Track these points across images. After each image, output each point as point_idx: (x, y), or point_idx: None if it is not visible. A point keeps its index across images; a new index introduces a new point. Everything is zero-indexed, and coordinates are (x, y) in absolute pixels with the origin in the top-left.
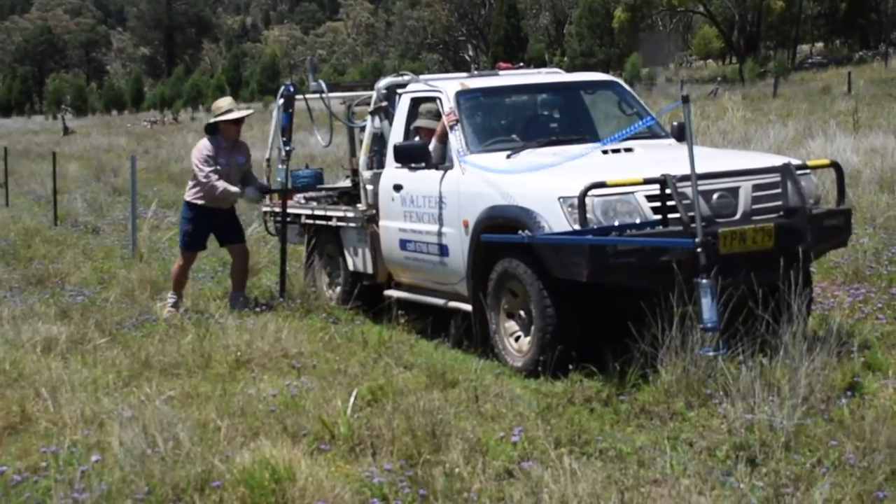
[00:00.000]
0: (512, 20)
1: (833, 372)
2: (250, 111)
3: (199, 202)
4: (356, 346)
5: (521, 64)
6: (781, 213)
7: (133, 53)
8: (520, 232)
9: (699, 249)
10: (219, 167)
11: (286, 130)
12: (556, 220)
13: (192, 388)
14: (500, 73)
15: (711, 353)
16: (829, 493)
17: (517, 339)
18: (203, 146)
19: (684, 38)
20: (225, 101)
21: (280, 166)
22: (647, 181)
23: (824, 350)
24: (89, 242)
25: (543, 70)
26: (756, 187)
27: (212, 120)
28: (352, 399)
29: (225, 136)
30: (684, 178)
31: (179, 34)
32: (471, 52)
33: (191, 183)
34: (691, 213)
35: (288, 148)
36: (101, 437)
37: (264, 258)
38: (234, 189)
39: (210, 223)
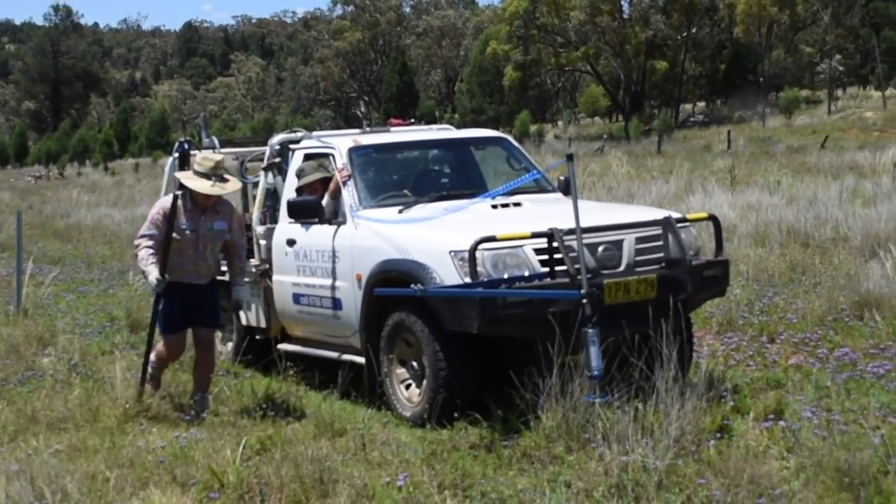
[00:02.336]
0: (404, 77)
1: (704, 415)
2: (233, 188)
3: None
4: (245, 398)
5: (413, 120)
6: (663, 264)
7: (17, 107)
8: (412, 285)
9: (584, 301)
10: (177, 234)
11: (181, 188)
12: (448, 274)
13: (80, 441)
14: (392, 129)
15: (597, 401)
16: None
17: (408, 387)
18: (161, 203)
19: (572, 96)
20: (209, 162)
21: None
22: (535, 235)
23: (695, 395)
24: None
25: (434, 126)
26: (639, 240)
27: (178, 175)
28: (240, 448)
29: (194, 197)
30: (570, 231)
31: (66, 88)
32: (363, 109)
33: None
34: (577, 266)
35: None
36: None
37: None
38: (152, 274)
39: (184, 299)
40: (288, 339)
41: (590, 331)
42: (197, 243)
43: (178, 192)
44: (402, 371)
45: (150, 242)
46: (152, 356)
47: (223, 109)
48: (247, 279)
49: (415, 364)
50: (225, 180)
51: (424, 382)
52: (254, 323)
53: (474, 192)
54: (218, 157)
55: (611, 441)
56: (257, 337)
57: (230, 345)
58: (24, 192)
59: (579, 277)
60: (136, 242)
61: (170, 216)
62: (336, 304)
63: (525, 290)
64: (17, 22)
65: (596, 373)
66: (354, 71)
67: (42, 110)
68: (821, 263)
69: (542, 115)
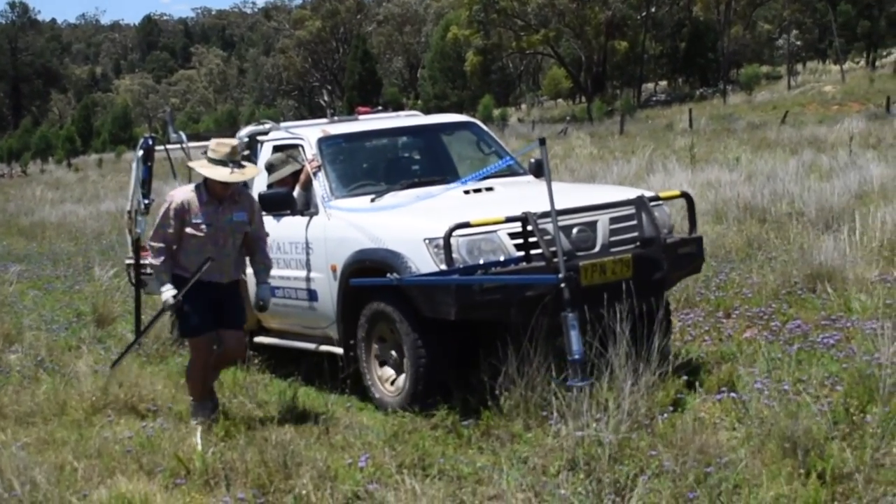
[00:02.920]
0: (366, 65)
1: (658, 390)
2: (253, 173)
3: (185, 274)
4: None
5: (380, 108)
6: (638, 243)
7: None
8: (388, 275)
9: (563, 284)
10: (193, 230)
11: (146, 183)
12: (423, 261)
13: (48, 434)
14: (360, 117)
15: (580, 384)
16: (647, 497)
17: (387, 376)
18: (174, 196)
19: (535, 79)
20: (224, 148)
21: (139, 218)
22: (509, 219)
23: (648, 370)
24: None
25: (402, 113)
26: (613, 220)
27: (191, 164)
28: (198, 433)
29: (210, 188)
30: (544, 214)
31: (26, 85)
32: (326, 98)
33: None
34: (553, 249)
35: (147, 201)
36: None
37: (118, 307)
38: (167, 293)
39: (207, 299)
40: (264, 331)
41: (569, 315)
42: (216, 238)
43: (192, 185)
44: (380, 359)
45: (163, 245)
46: (188, 372)
47: (186, 102)
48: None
49: (393, 352)
50: (243, 166)
51: (405, 371)
52: None
53: (446, 179)
54: (234, 141)
55: (567, 418)
56: None
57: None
58: None
59: (555, 261)
60: (150, 244)
61: (187, 209)
62: (312, 295)
63: (503, 275)
64: None
65: (577, 356)
66: (316, 60)
67: (2, 108)
68: (777, 238)
69: (505, 98)
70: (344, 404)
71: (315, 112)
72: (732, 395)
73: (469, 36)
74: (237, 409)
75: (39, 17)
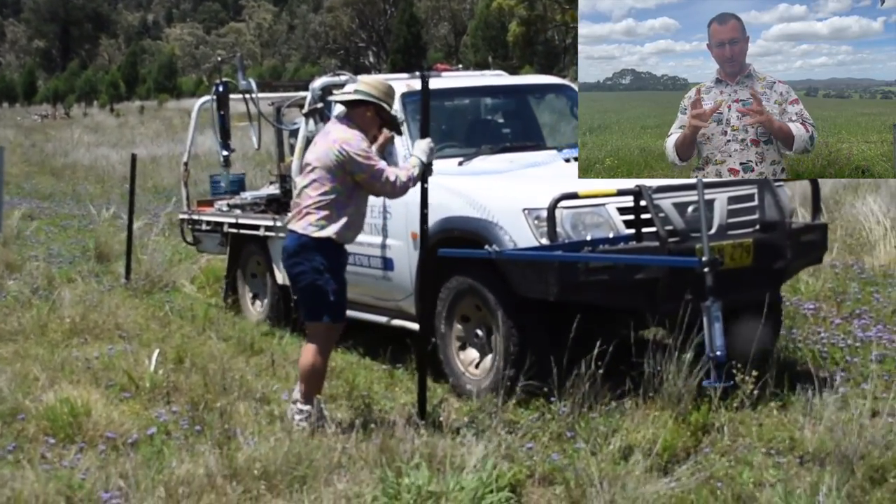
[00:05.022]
0: (412, 28)
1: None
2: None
3: (338, 238)
4: (185, 321)
5: (460, 66)
6: (758, 227)
7: (27, 46)
8: (486, 247)
9: (706, 269)
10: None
11: (224, 132)
12: (521, 234)
13: (24, 350)
14: (443, 74)
15: (717, 385)
16: None
17: (477, 365)
18: (356, 137)
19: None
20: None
21: (222, 171)
22: (621, 192)
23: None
24: None
25: (487, 72)
26: (732, 199)
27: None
28: (154, 356)
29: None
30: (659, 189)
31: (76, 29)
32: (371, 59)
33: (320, 202)
34: (668, 227)
35: (226, 152)
36: None
37: (119, 246)
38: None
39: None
40: None
41: (712, 305)
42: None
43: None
44: (462, 340)
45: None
46: (307, 359)
47: (233, 56)
48: (282, 235)
49: (479, 332)
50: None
51: (492, 354)
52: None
53: (538, 145)
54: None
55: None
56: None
57: (265, 303)
58: (29, 131)
59: (672, 240)
60: (385, 173)
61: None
62: (387, 264)
63: (638, 257)
64: None
65: (720, 354)
66: (363, 21)
67: (52, 50)
68: None
69: (548, 71)
70: (299, 345)
71: (359, 72)
72: None
73: (513, 6)
74: (203, 342)
75: None
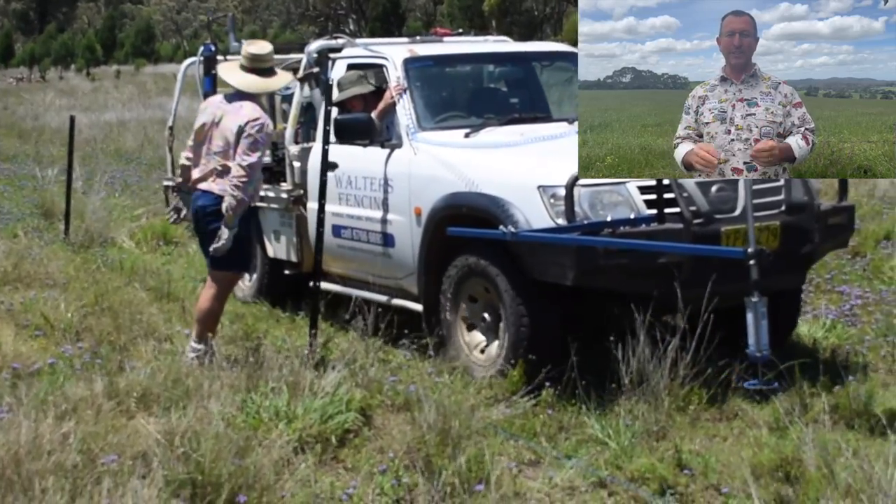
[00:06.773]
0: None
1: None
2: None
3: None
4: (114, 273)
5: (461, 31)
6: (783, 208)
7: (5, 7)
8: (501, 227)
9: (751, 261)
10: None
11: (209, 97)
12: (535, 213)
13: None
14: (444, 39)
15: (759, 387)
16: None
17: (483, 350)
18: (262, 114)
19: (560, 24)
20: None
21: None
22: None
23: None
24: None
25: (490, 37)
26: (757, 179)
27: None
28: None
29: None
30: None
31: None
32: (351, 27)
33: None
34: (692, 208)
35: None
36: None
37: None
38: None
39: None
40: (323, 275)
41: (755, 299)
42: None
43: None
44: (469, 322)
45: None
46: (203, 303)
47: (223, 16)
48: (274, 206)
49: (486, 315)
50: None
51: (500, 337)
52: (282, 256)
53: (548, 116)
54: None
55: None
56: (287, 272)
57: (253, 277)
58: (3, 94)
59: (696, 222)
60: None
61: None
62: (387, 240)
63: (679, 246)
64: None
65: (764, 353)
66: None
67: (29, 12)
68: None
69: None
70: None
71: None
72: None
73: None
74: (126, 291)
75: None
